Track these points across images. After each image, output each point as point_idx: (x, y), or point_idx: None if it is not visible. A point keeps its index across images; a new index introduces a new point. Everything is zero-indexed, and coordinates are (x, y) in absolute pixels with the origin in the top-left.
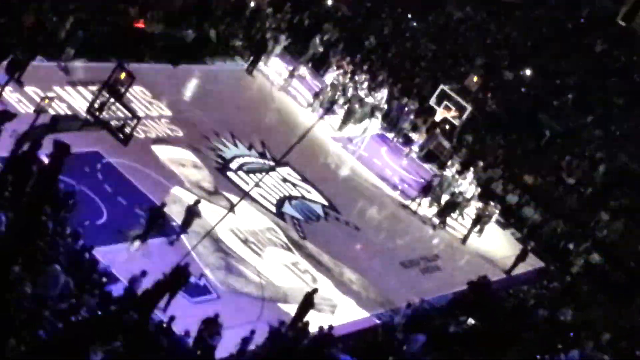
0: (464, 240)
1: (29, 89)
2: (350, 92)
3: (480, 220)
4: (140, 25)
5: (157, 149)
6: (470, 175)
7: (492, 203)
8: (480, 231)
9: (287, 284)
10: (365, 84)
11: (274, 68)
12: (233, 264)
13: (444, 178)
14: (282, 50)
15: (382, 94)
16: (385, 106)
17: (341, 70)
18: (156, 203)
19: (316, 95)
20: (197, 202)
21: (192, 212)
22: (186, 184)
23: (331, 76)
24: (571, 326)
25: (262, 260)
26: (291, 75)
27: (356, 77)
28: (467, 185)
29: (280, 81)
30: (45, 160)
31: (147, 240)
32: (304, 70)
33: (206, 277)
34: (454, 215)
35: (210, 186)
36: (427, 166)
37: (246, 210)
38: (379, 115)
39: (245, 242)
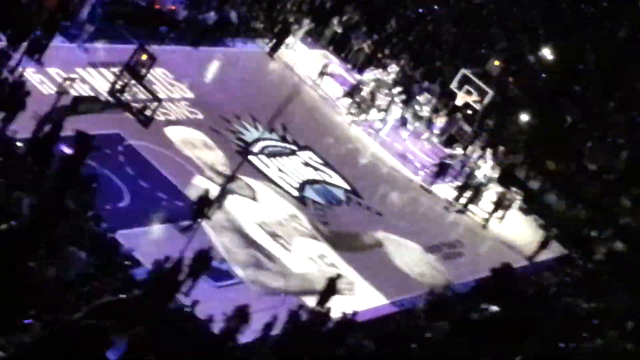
0: (485, 225)
1: (51, 70)
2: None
3: (500, 205)
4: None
5: (169, 130)
6: (489, 159)
7: (513, 189)
8: (502, 217)
9: (315, 278)
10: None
11: (297, 52)
12: (263, 260)
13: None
14: (305, 34)
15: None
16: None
17: (379, 70)
18: (179, 188)
19: (349, 94)
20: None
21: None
22: (203, 169)
23: (369, 75)
24: (594, 314)
25: (291, 254)
26: (322, 73)
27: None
28: (488, 170)
29: (307, 73)
30: (68, 151)
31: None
32: (334, 67)
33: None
34: (475, 200)
35: (225, 169)
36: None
37: (268, 196)
38: (398, 101)
39: (274, 236)
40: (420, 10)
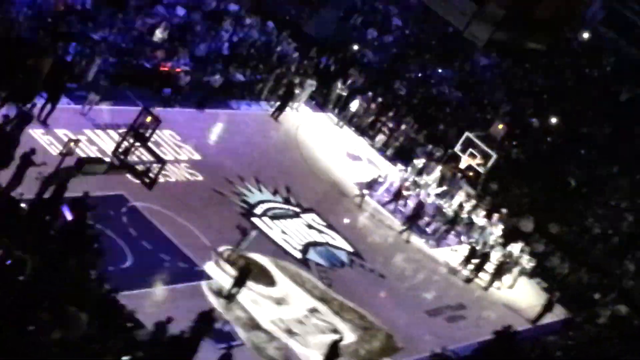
0: (487, 287)
1: (59, 132)
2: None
3: (502, 270)
4: (167, 68)
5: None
6: (497, 223)
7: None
8: (511, 285)
9: None
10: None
11: (301, 115)
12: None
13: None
14: (309, 96)
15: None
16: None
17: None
18: (181, 249)
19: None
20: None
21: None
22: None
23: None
24: None
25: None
26: (362, 196)
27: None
28: (498, 233)
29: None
30: (69, 215)
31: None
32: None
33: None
34: (483, 267)
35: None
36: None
37: (289, 291)
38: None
39: (289, 333)
40: (425, 73)
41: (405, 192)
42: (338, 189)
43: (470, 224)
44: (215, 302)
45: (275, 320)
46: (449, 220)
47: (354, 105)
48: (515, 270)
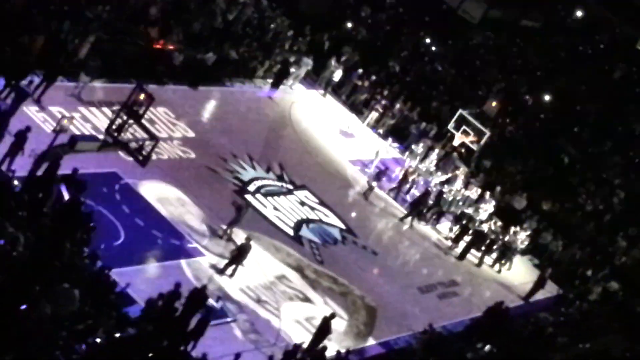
0: (479, 264)
1: (54, 109)
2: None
3: (492, 244)
4: (160, 46)
5: (144, 188)
6: (490, 200)
7: (513, 229)
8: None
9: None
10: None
11: (295, 92)
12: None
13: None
14: (305, 74)
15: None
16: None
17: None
18: (173, 226)
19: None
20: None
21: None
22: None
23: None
24: (590, 354)
25: (281, 322)
26: (370, 188)
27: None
28: (490, 210)
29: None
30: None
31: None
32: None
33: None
34: (476, 245)
35: (200, 224)
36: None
37: (256, 257)
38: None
39: (258, 301)
40: (418, 50)
41: (410, 178)
42: (331, 167)
43: (465, 203)
44: (207, 279)
45: (243, 289)
46: (448, 205)
47: (337, 74)
48: (512, 254)
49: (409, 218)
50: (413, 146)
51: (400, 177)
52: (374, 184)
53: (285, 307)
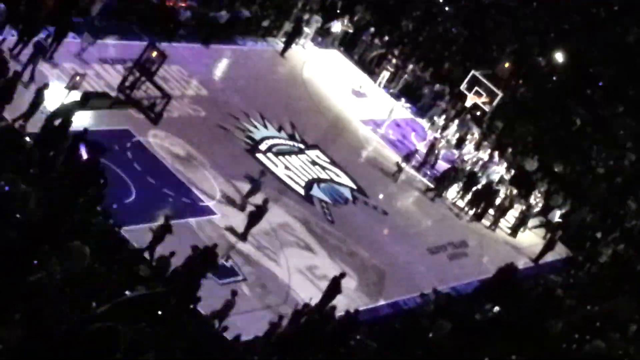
0: (493, 227)
1: (67, 65)
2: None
3: (506, 210)
4: (172, 3)
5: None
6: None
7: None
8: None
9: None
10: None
11: (307, 51)
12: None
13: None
14: (315, 32)
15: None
16: None
17: None
18: (185, 184)
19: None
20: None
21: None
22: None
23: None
24: (598, 317)
25: (280, 269)
26: (399, 169)
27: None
28: (502, 172)
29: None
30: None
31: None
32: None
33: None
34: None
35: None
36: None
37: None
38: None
39: (258, 248)
40: (431, 11)
41: (437, 148)
42: (342, 125)
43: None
44: (218, 238)
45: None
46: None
47: (336, 27)
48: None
49: (434, 193)
50: (435, 118)
51: (427, 149)
52: (403, 165)
53: (286, 254)
